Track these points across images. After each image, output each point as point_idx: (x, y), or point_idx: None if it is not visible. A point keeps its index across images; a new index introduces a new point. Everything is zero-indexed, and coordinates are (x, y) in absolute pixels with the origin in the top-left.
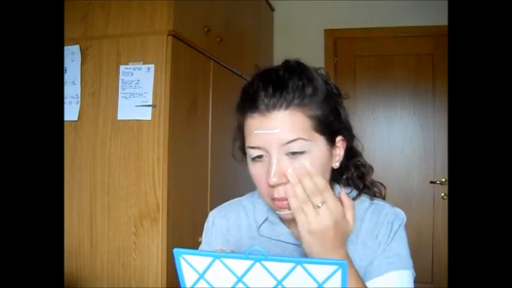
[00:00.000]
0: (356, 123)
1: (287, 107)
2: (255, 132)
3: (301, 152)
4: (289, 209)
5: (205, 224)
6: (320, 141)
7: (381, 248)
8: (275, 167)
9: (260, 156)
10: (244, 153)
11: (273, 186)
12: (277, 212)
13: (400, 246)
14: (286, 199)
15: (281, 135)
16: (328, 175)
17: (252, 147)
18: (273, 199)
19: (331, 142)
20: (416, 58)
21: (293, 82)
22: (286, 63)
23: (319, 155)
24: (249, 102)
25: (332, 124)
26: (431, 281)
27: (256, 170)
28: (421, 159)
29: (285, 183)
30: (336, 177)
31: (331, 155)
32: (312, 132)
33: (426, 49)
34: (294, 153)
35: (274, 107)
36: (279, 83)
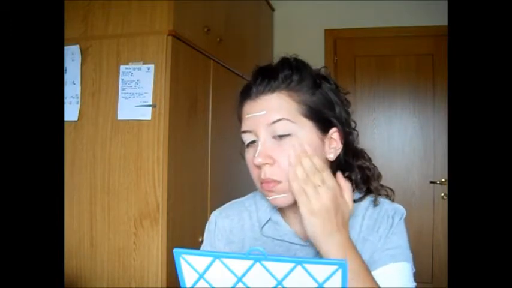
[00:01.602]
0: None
1: (273, 91)
2: (246, 116)
3: (287, 135)
4: (277, 193)
5: (207, 225)
6: (308, 126)
7: (382, 241)
8: (260, 147)
9: (253, 142)
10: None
11: (258, 167)
12: (267, 198)
13: (401, 239)
14: (272, 181)
15: (267, 116)
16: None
17: (244, 132)
18: (261, 182)
19: (322, 130)
20: (416, 58)
21: (283, 72)
22: (283, 58)
23: (306, 139)
24: (244, 93)
25: (322, 112)
26: (431, 281)
27: (249, 155)
28: (421, 159)
29: (270, 164)
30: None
31: (322, 144)
32: (298, 116)
33: (426, 49)
34: (280, 136)
35: (262, 92)
36: (270, 73)
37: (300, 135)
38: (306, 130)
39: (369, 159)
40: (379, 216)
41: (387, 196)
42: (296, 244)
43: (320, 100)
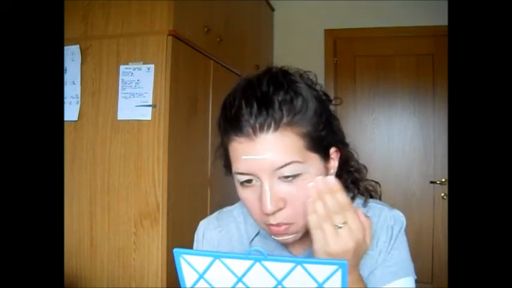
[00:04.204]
0: (356, 123)
1: (276, 128)
2: (243, 157)
3: (295, 175)
4: (289, 233)
5: (195, 235)
6: (315, 160)
7: (382, 256)
8: (268, 193)
9: (249, 181)
10: (229, 170)
11: (269, 214)
12: (273, 237)
13: (402, 253)
14: (284, 224)
15: (273, 160)
16: None
17: (241, 173)
18: (269, 225)
19: (326, 157)
20: (416, 58)
21: (279, 97)
22: (269, 74)
23: (314, 173)
24: (232, 122)
25: (325, 138)
26: (431, 281)
27: (246, 195)
28: (421, 159)
29: (281, 209)
30: None
31: (326, 170)
32: (305, 152)
33: (426, 49)
34: (287, 176)
35: (261, 129)
36: (264, 99)
37: (308, 172)
38: (313, 165)
39: (353, 157)
40: (377, 227)
41: (374, 191)
42: None
43: (321, 125)
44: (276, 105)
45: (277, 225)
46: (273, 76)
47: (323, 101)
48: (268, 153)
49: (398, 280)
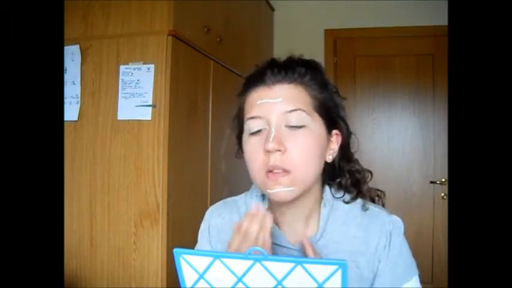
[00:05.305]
0: (356, 123)
1: (290, 82)
2: (258, 102)
3: (301, 126)
4: (285, 185)
5: (202, 223)
6: (319, 122)
7: (383, 262)
8: (274, 132)
9: (259, 131)
10: (240, 145)
11: (266, 154)
12: (268, 190)
13: (405, 256)
14: (282, 171)
15: (283, 103)
16: (321, 165)
17: (253, 117)
18: (268, 171)
19: (328, 129)
20: (416, 58)
21: (297, 67)
22: (292, 56)
23: (317, 133)
24: (255, 80)
25: (331, 110)
26: (431, 281)
27: (252, 144)
28: (421, 159)
29: (282, 152)
30: (328, 180)
31: (327, 142)
32: (311, 110)
33: (426, 49)
34: (293, 127)
35: (278, 81)
36: (285, 65)
37: (313, 128)
38: (316, 124)
39: (357, 162)
40: (375, 229)
41: (378, 198)
42: (284, 247)
43: (328, 97)
44: (294, 70)
45: (275, 168)
46: (290, 56)
47: (332, 89)
48: (280, 98)
49: (407, 283)
